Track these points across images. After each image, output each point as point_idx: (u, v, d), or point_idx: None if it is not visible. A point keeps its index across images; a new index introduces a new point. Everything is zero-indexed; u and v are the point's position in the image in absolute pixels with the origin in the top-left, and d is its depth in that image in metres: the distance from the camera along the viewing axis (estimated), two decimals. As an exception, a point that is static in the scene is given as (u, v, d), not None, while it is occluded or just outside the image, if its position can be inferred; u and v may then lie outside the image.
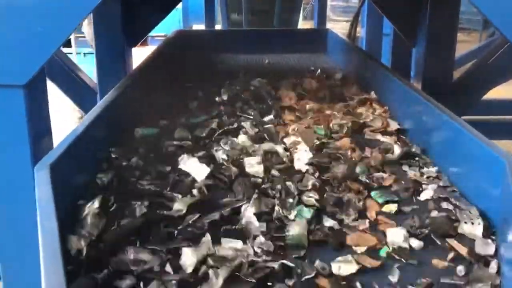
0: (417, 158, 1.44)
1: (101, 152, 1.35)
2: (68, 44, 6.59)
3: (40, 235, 0.80)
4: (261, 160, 1.33)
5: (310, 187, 1.21)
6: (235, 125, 1.64)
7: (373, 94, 1.97)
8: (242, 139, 1.49)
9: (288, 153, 1.41)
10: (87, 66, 3.12)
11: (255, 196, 1.14)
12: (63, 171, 1.04)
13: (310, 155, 1.39)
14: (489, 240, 1.02)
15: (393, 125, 1.66)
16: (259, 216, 1.08)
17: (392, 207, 1.17)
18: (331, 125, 1.64)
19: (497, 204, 1.06)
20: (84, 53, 6.88)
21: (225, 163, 1.34)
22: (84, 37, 6.68)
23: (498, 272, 0.93)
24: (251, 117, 1.71)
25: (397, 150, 1.45)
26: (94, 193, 1.12)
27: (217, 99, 1.93)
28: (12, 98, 1.18)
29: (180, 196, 1.15)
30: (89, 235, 0.95)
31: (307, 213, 1.11)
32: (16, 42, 1.16)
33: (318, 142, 1.50)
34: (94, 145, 1.32)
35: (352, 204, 1.16)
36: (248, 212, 1.08)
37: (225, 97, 1.95)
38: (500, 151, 1.10)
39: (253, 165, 1.31)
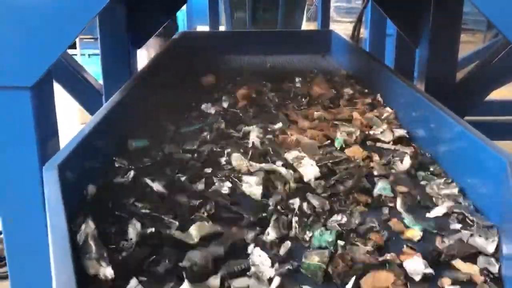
0: (431, 169, 1.39)
1: (104, 156, 1.36)
2: (72, 45, 6.60)
3: (49, 233, 0.81)
4: (260, 180, 1.25)
5: (323, 207, 1.16)
6: (235, 136, 1.58)
7: (379, 97, 1.97)
8: (240, 155, 1.39)
9: (291, 171, 1.32)
10: (92, 67, 3.13)
11: (274, 217, 1.10)
12: (71, 171, 1.06)
13: (317, 170, 1.31)
14: (493, 259, 0.99)
15: (400, 132, 1.61)
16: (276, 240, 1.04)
17: (415, 234, 1.09)
18: (339, 134, 1.58)
19: (498, 205, 1.07)
20: (89, 54, 6.90)
21: (222, 182, 1.28)
22: (88, 38, 6.72)
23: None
24: (253, 128, 1.63)
25: (408, 160, 1.40)
26: (89, 212, 1.05)
27: (217, 108, 1.86)
28: (19, 100, 1.19)
29: (177, 223, 1.07)
30: (101, 257, 0.90)
31: (329, 236, 1.05)
32: (23, 44, 1.17)
33: (325, 154, 1.43)
34: (101, 146, 1.34)
35: (376, 233, 1.07)
36: (256, 251, 1.00)
37: (225, 105, 1.90)
38: (501, 151, 1.11)
39: (252, 185, 1.24)
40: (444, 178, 1.32)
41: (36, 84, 1.18)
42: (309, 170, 1.31)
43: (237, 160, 1.37)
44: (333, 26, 4.23)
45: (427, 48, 2.17)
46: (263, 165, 1.35)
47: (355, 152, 1.47)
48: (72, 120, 4.90)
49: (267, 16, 4.27)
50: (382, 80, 2.04)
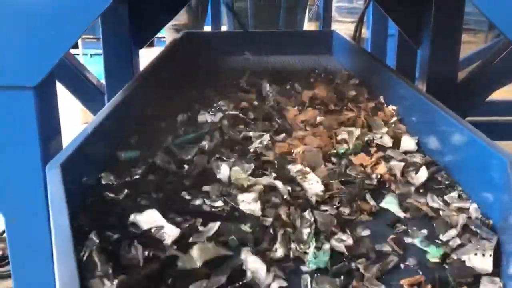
0: (441, 179, 1.32)
1: (106, 156, 1.36)
2: (75, 45, 6.61)
3: (53, 232, 0.82)
4: (258, 196, 1.18)
5: (330, 223, 1.08)
6: (233, 145, 1.50)
7: (382, 100, 1.94)
8: (236, 170, 1.31)
9: (289, 188, 1.24)
10: (94, 67, 3.14)
11: (281, 232, 1.04)
12: (73, 170, 1.06)
13: (322, 187, 1.24)
14: (497, 279, 0.95)
15: (410, 142, 1.54)
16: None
17: (430, 256, 1.02)
18: (346, 141, 1.52)
19: (499, 206, 1.08)
20: (91, 54, 6.92)
21: (219, 199, 1.20)
22: (90, 38, 6.74)
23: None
24: (253, 135, 1.56)
25: (424, 173, 1.31)
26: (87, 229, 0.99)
27: (216, 113, 1.78)
28: (22, 100, 1.19)
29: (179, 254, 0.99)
30: (108, 276, 0.85)
31: (324, 258, 0.98)
32: (26, 44, 1.17)
33: (330, 163, 1.39)
34: (103, 146, 1.35)
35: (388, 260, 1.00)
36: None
37: (224, 110, 1.80)
38: (502, 151, 1.11)
39: (250, 202, 1.16)
40: (457, 192, 1.25)
41: (39, 84, 1.18)
42: (314, 186, 1.25)
43: (235, 173, 1.29)
44: (334, 26, 4.25)
45: (429, 49, 2.17)
46: (260, 179, 1.27)
47: (362, 159, 1.43)
48: (74, 119, 4.91)
49: (269, 16, 4.27)
50: (384, 81, 2.05)
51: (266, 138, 1.55)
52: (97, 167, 1.29)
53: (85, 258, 0.88)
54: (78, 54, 6.73)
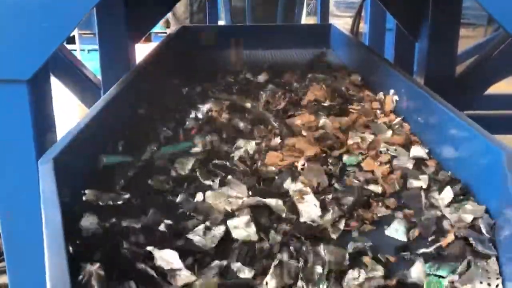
0: (453, 189, 1.20)
1: (100, 150, 1.34)
2: (72, 40, 6.61)
3: (44, 226, 0.81)
4: (249, 220, 1.06)
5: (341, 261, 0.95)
6: (221, 157, 1.40)
7: (382, 96, 1.88)
8: (227, 188, 1.20)
9: (281, 203, 1.14)
10: (91, 63, 3.13)
11: (275, 262, 0.92)
12: (66, 164, 1.05)
13: (318, 211, 1.12)
14: None
15: (420, 152, 1.44)
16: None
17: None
18: (350, 139, 1.46)
19: (496, 198, 1.07)
20: (88, 50, 6.89)
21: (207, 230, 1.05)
22: (87, 33, 6.72)
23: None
24: (244, 144, 1.46)
25: (449, 194, 1.19)
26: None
27: (205, 118, 1.68)
28: (16, 93, 1.19)
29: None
30: None
31: None
32: (19, 37, 1.16)
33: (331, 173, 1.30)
34: (97, 140, 1.34)
35: None
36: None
37: (213, 112, 1.70)
38: (500, 144, 1.11)
39: (241, 228, 1.05)
40: (470, 203, 1.15)
41: (32, 78, 1.17)
42: (310, 209, 1.14)
43: (214, 199, 1.17)
44: (332, 21, 4.22)
45: (427, 42, 2.16)
46: (248, 200, 1.15)
47: (370, 165, 1.36)
48: (72, 115, 4.89)
49: (266, 10, 4.26)
50: (383, 75, 2.04)
51: (261, 147, 1.44)
52: (91, 161, 1.28)
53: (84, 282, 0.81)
54: (75, 50, 6.70)
